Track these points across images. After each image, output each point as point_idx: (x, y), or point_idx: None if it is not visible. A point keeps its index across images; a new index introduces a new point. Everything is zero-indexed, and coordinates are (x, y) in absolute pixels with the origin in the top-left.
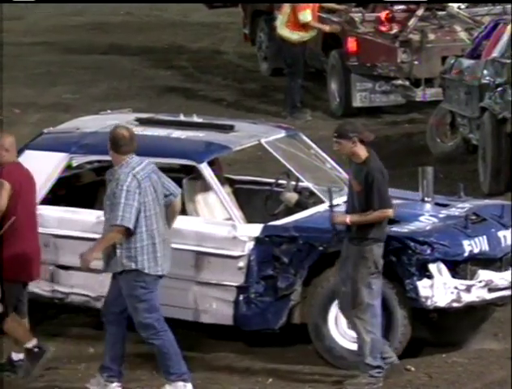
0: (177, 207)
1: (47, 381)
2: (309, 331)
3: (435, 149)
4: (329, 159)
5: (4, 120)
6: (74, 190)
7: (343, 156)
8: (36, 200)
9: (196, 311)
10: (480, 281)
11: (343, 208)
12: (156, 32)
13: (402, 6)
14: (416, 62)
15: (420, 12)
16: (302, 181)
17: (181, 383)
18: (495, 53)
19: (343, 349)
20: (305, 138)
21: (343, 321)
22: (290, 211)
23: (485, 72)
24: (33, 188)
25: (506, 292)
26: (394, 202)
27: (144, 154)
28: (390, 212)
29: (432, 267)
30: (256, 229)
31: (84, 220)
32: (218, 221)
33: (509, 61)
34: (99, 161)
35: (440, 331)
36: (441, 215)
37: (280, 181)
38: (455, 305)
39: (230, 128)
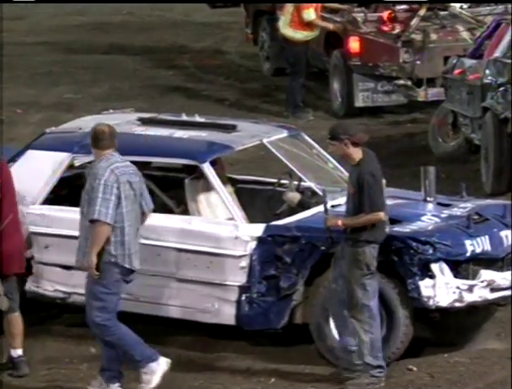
0: (143, 222)
1: (49, 381)
2: (311, 331)
3: (437, 149)
4: (331, 159)
5: (6, 120)
6: (76, 190)
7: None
8: (16, 197)
9: (198, 311)
10: (482, 281)
11: (344, 208)
12: (158, 31)
13: (404, 6)
14: (418, 62)
15: (422, 12)
16: (304, 181)
17: (153, 364)
18: (497, 53)
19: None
20: (307, 137)
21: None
22: (292, 210)
23: (487, 72)
24: (14, 186)
25: (508, 292)
26: (394, 202)
27: (146, 154)
28: (381, 215)
29: (434, 266)
30: (258, 229)
31: None
32: (220, 221)
33: (511, 61)
34: None
35: (442, 330)
36: (443, 215)
37: (282, 181)
38: (457, 304)
39: (232, 128)
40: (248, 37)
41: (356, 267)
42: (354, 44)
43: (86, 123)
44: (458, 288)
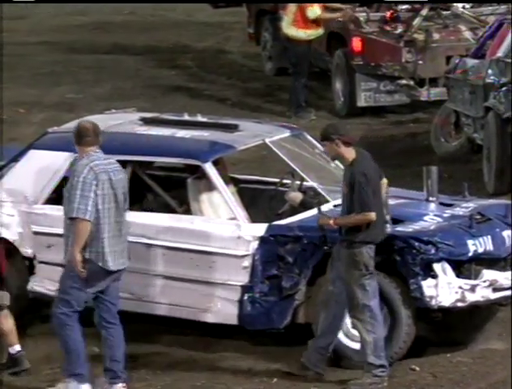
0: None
1: (50, 380)
2: (313, 331)
3: (439, 149)
4: None
5: (8, 119)
6: None
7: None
8: None
9: (200, 311)
10: (485, 281)
11: None
12: (160, 31)
13: (406, 6)
14: (420, 62)
15: (424, 12)
16: (307, 181)
17: (74, 383)
18: (499, 53)
19: (348, 349)
20: (309, 137)
21: (347, 321)
22: (294, 210)
23: (490, 72)
24: None
25: (510, 292)
26: (396, 202)
27: (149, 153)
28: (372, 215)
29: (436, 266)
30: (260, 229)
31: None
32: (222, 221)
33: None
34: None
35: (444, 330)
36: (445, 215)
37: (285, 181)
38: (460, 304)
39: (234, 127)
40: (250, 37)
41: (354, 268)
42: (356, 44)
43: None
44: (460, 287)
